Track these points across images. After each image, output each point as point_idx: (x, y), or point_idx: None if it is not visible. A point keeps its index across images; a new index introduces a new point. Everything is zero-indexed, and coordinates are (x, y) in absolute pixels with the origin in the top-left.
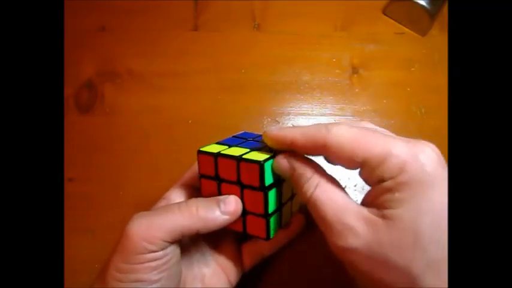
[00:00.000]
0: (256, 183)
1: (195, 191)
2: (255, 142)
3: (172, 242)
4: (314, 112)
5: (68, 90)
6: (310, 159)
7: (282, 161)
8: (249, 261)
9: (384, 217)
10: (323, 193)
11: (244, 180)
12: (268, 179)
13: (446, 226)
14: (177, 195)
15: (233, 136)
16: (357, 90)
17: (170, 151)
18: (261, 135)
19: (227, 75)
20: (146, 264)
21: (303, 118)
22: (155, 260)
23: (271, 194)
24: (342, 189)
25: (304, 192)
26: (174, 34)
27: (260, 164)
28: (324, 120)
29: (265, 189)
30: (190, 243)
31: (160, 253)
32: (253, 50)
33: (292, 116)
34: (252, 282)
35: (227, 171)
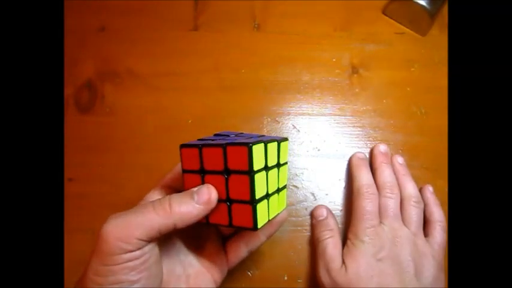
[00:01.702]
0: (245, 167)
1: (175, 192)
2: (238, 137)
3: (149, 241)
4: (314, 112)
5: (68, 90)
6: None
7: (322, 208)
8: (234, 258)
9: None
10: (332, 244)
11: (232, 165)
12: (257, 163)
13: (372, 271)
14: (156, 197)
15: (215, 134)
16: (357, 90)
17: (170, 151)
18: (243, 133)
19: (227, 75)
20: (124, 265)
21: (303, 118)
22: (132, 260)
23: (258, 179)
24: (340, 245)
25: (321, 232)
26: (174, 34)
27: (248, 146)
28: (323, 120)
29: (253, 172)
30: (173, 244)
31: (138, 253)
32: (253, 50)
33: (292, 116)
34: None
35: (212, 161)
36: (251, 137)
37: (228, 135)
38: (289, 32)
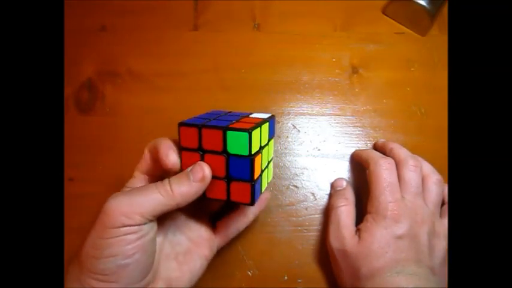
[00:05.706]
0: (244, 151)
1: (154, 178)
2: (230, 116)
3: (150, 219)
4: (314, 112)
5: (68, 90)
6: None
7: (342, 180)
8: (223, 237)
9: (359, 237)
10: (346, 212)
11: (231, 149)
12: (255, 147)
13: (388, 248)
14: (138, 184)
15: (205, 113)
16: (357, 90)
17: None
18: (231, 112)
19: (227, 75)
20: (121, 238)
21: (303, 118)
22: (130, 233)
23: (256, 160)
24: (354, 215)
25: (337, 200)
26: (174, 34)
27: (249, 133)
28: (323, 120)
29: (252, 156)
30: (160, 223)
31: (136, 227)
32: (253, 50)
33: (292, 116)
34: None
35: (212, 142)
36: (238, 116)
37: (219, 115)
38: (289, 32)
